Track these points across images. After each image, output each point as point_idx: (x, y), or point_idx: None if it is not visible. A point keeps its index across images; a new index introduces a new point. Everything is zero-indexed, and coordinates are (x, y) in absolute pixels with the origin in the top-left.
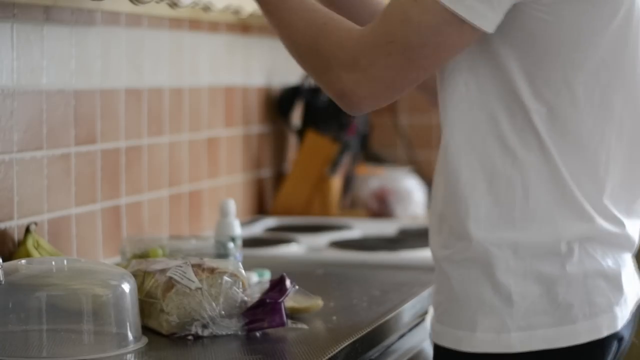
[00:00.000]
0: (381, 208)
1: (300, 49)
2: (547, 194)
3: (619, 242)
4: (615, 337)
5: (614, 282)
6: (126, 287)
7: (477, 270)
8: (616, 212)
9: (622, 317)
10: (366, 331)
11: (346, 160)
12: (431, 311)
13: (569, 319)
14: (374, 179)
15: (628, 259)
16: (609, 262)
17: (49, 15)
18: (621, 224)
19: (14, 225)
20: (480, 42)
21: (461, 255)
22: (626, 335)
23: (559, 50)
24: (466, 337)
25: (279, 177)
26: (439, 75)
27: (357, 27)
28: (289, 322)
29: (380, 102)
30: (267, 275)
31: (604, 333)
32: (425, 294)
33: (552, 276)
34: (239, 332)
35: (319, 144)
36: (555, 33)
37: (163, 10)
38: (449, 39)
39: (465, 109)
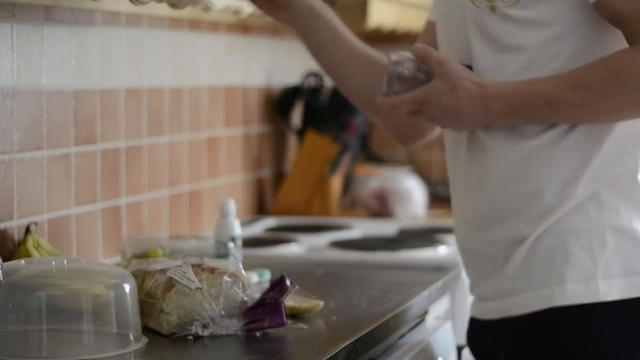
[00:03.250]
0: (381, 208)
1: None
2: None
3: None
4: None
5: None
6: (126, 287)
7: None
8: None
9: None
10: (366, 331)
11: (346, 160)
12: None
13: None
14: (374, 179)
15: None
16: None
17: (49, 15)
18: None
19: (14, 225)
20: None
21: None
22: None
23: None
24: (556, 292)
25: (279, 177)
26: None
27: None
28: (289, 322)
29: None
30: (267, 276)
31: None
32: (425, 294)
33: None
34: (239, 332)
35: (319, 144)
36: None
37: (163, 10)
38: None
39: None
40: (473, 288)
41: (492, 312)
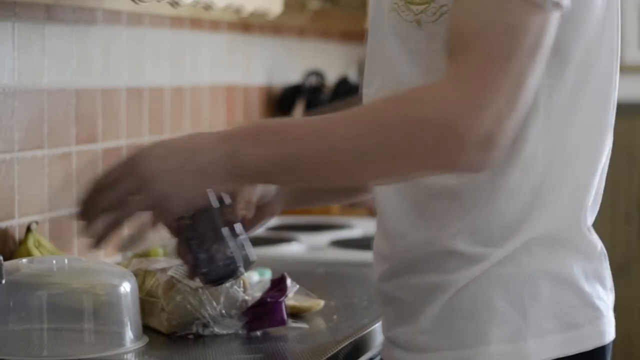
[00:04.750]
0: None
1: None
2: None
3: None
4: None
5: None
6: (127, 286)
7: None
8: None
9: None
10: (367, 330)
11: None
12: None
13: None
14: None
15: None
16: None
17: (50, 14)
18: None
19: (15, 224)
20: None
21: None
22: None
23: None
24: (479, 354)
25: None
26: None
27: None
28: (290, 322)
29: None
30: (268, 275)
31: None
32: None
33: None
34: (240, 332)
35: None
36: None
37: (164, 9)
38: None
39: None
40: (385, 330)
41: None
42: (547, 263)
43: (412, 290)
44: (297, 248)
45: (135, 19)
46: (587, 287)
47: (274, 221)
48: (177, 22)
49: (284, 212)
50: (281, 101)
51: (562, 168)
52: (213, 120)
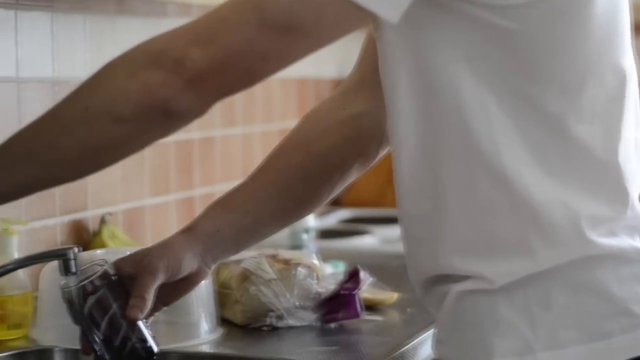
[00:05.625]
0: None
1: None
2: None
3: None
4: None
5: None
6: None
7: None
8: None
9: None
10: None
11: None
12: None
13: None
14: None
15: None
16: None
17: (121, 6)
18: None
19: (89, 216)
20: None
21: None
22: None
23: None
24: None
25: None
26: None
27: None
28: (364, 314)
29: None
30: (342, 267)
31: None
32: None
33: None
34: (314, 324)
35: None
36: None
37: None
38: None
39: None
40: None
41: None
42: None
43: (432, 297)
44: (371, 240)
45: (206, 11)
46: (618, 291)
47: (347, 213)
48: None
49: (357, 205)
50: None
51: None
52: (285, 113)
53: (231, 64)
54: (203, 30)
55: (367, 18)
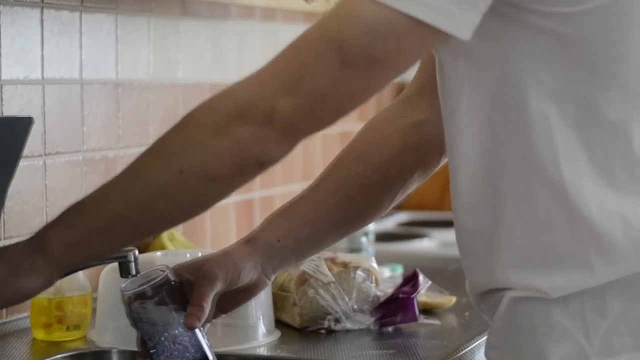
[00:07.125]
0: None
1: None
2: None
3: None
4: None
5: None
6: None
7: None
8: None
9: None
10: None
11: None
12: None
13: None
14: None
15: None
16: None
17: (185, 9)
18: None
19: None
20: None
21: None
22: None
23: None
24: None
25: None
26: None
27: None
28: (422, 318)
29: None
30: (399, 270)
31: None
32: None
33: None
34: (371, 327)
35: None
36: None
37: (298, 4)
38: None
39: None
40: None
41: None
42: (615, 271)
43: (486, 304)
44: (429, 244)
45: (269, 14)
46: None
47: (405, 217)
48: (310, 17)
49: (416, 208)
50: None
51: None
52: (345, 117)
53: (320, 107)
54: (287, 77)
55: (442, 39)
